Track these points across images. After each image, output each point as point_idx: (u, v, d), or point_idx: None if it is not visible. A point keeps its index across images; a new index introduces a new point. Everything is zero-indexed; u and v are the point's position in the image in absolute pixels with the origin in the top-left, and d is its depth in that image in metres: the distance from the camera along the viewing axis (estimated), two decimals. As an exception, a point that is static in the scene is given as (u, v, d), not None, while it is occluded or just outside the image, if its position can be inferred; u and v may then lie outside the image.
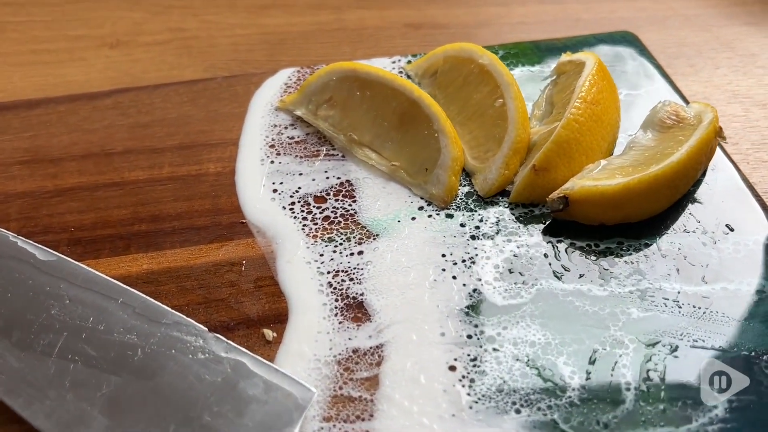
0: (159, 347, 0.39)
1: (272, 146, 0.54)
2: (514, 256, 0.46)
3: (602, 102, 0.50)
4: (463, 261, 0.45)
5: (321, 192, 0.50)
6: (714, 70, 0.65)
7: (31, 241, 0.45)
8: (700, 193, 0.49)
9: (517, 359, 0.40)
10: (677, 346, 0.41)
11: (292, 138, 0.54)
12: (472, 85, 0.53)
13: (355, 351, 0.41)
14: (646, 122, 0.52)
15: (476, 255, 0.46)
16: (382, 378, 0.40)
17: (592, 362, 0.40)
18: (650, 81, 0.59)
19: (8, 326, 0.40)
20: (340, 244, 0.47)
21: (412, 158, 0.51)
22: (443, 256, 0.46)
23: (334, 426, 0.38)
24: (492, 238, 0.47)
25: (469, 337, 0.41)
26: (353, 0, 0.76)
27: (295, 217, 0.48)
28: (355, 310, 0.43)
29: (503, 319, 0.42)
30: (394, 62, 0.61)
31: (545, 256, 0.46)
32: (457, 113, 0.53)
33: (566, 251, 0.46)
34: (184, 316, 0.41)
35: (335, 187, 0.50)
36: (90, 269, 0.43)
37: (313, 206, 0.49)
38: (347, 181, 0.51)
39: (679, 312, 0.42)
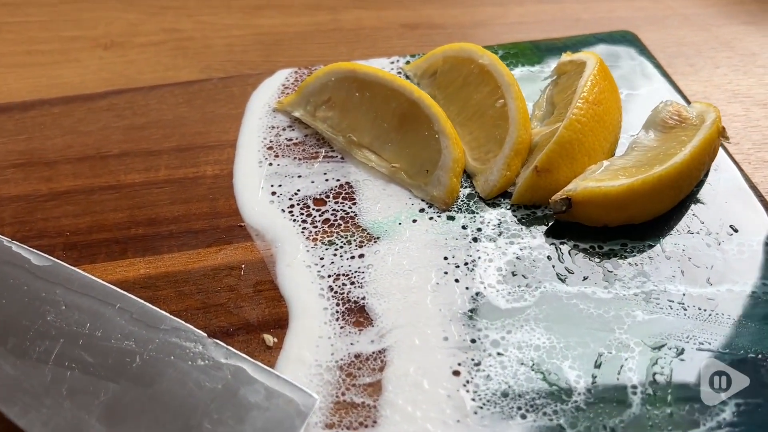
0: (158, 353, 0.39)
1: (270, 148, 0.53)
2: (517, 258, 0.45)
3: (604, 102, 0.50)
4: (466, 264, 0.45)
5: (320, 194, 0.49)
6: (714, 70, 0.65)
7: (25, 246, 0.44)
8: (703, 193, 0.49)
9: (522, 363, 0.40)
10: (683, 349, 0.40)
11: (291, 140, 0.54)
12: (472, 85, 0.53)
13: (357, 356, 0.40)
14: (648, 122, 0.51)
15: (478, 258, 0.45)
16: (385, 383, 0.39)
17: (597, 366, 0.40)
18: (651, 81, 0.58)
19: (3, 333, 0.40)
20: (341, 247, 0.46)
21: (413, 160, 0.50)
22: (445, 258, 0.45)
23: (337, 433, 0.37)
24: (494, 241, 0.46)
25: (473, 341, 0.41)
26: (349, 0, 0.76)
27: (294, 220, 0.48)
28: (357, 314, 0.42)
29: (507, 322, 0.42)
30: (392, 63, 0.61)
31: (548, 258, 0.45)
32: (457, 114, 0.53)
33: (569, 253, 0.45)
34: (183, 322, 0.40)
35: (335, 190, 0.50)
36: (86, 274, 0.42)
37: (313, 209, 0.48)
38: (347, 183, 0.50)
39: (685, 314, 0.42)
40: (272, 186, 0.50)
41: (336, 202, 0.49)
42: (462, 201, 0.49)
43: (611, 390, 0.39)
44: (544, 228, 0.47)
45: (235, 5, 0.75)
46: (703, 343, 0.41)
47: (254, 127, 0.55)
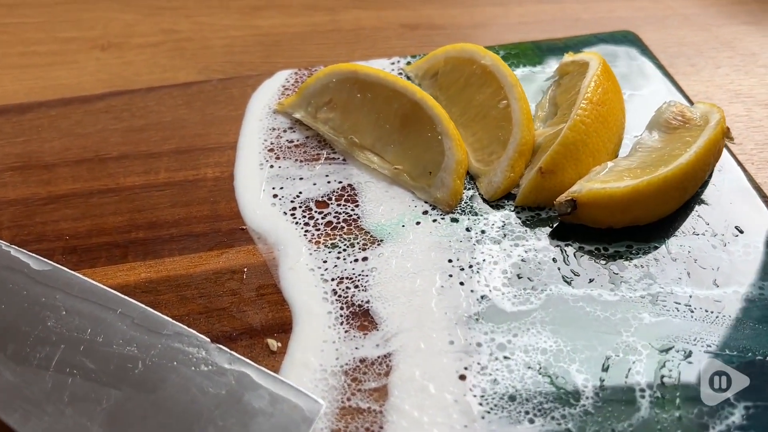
0: (160, 359, 0.38)
1: (271, 150, 0.52)
2: (522, 260, 0.45)
3: (608, 103, 0.49)
4: (470, 266, 0.44)
5: (322, 197, 0.49)
6: (715, 70, 0.64)
7: (24, 250, 0.43)
8: (708, 194, 0.49)
9: (529, 367, 0.39)
10: (691, 352, 0.40)
11: (292, 141, 0.53)
12: (475, 86, 0.52)
13: (362, 361, 0.40)
14: (651, 123, 0.51)
15: (483, 260, 0.45)
16: (390, 388, 0.39)
17: (605, 369, 0.39)
18: (653, 81, 0.58)
19: (2, 339, 0.39)
20: (344, 250, 0.45)
21: (415, 161, 0.49)
22: (449, 261, 0.45)
23: (343, 439, 0.37)
24: (499, 243, 0.46)
25: (479, 345, 0.40)
26: (348, 0, 0.75)
27: (296, 223, 0.47)
28: (361, 318, 0.42)
29: (513, 326, 0.41)
30: (393, 63, 0.60)
31: (554, 260, 0.45)
32: (459, 115, 0.52)
33: (575, 255, 0.45)
34: (186, 327, 0.40)
35: (337, 192, 0.49)
36: (86, 279, 0.42)
37: (315, 211, 0.48)
38: (349, 185, 0.50)
39: (692, 317, 0.42)
40: (274, 188, 0.49)
41: (338, 205, 0.48)
42: (465, 203, 0.48)
43: (619, 393, 0.38)
44: (549, 230, 0.47)
45: (233, 6, 0.74)
46: (710, 346, 0.40)
47: (255, 129, 0.54)
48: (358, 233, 0.46)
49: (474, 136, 0.51)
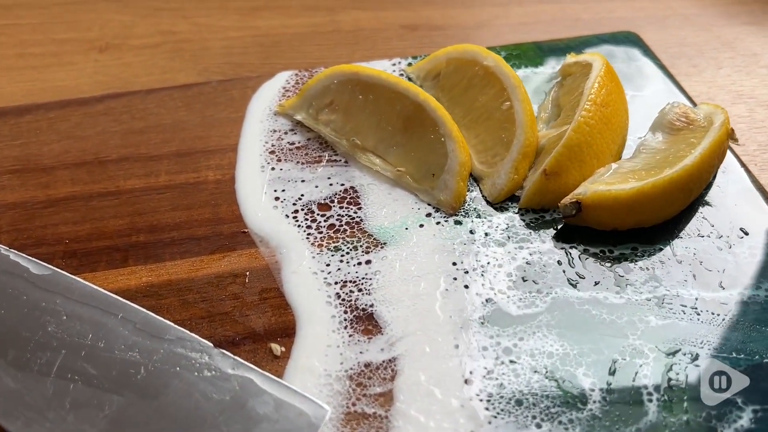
0: (163, 364, 0.38)
1: (272, 152, 0.52)
2: (527, 263, 0.44)
3: (611, 104, 0.49)
4: (475, 269, 0.44)
5: (325, 199, 0.48)
6: (717, 71, 0.64)
7: (24, 254, 0.43)
8: (712, 196, 0.49)
9: (536, 371, 0.39)
10: (698, 355, 0.40)
11: (293, 143, 0.53)
12: (477, 87, 0.52)
13: (367, 365, 0.39)
14: (655, 124, 0.51)
15: (488, 263, 0.44)
16: (396, 393, 0.38)
17: (612, 373, 0.39)
18: (655, 82, 0.58)
19: (2, 344, 0.38)
20: (347, 253, 0.45)
21: (418, 163, 0.49)
22: (454, 264, 0.44)
23: (349, 444, 0.36)
24: (503, 245, 0.45)
25: (485, 348, 0.40)
26: (348, 1, 0.75)
27: (298, 226, 0.47)
28: (365, 322, 0.41)
29: (519, 329, 0.41)
30: (394, 64, 0.60)
31: (558, 263, 0.44)
32: (462, 116, 0.52)
33: (580, 258, 0.45)
34: (188, 332, 0.39)
35: (339, 194, 0.49)
36: (87, 283, 0.41)
37: (317, 214, 0.47)
38: (351, 187, 0.49)
39: (698, 319, 0.41)
40: (275, 191, 0.49)
41: (341, 207, 0.48)
42: (468, 205, 0.48)
43: (626, 397, 0.38)
44: (553, 232, 0.46)
45: (232, 6, 0.74)
46: (717, 349, 0.40)
47: (255, 131, 0.54)
48: (361, 236, 0.46)
49: (477, 138, 0.51)
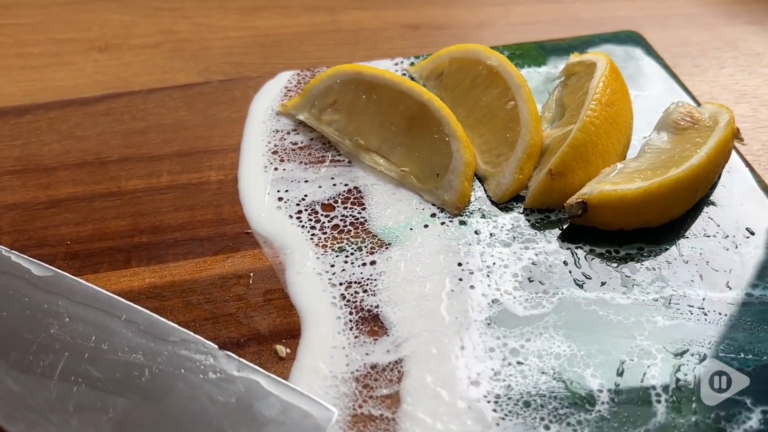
0: (167, 367, 0.37)
1: (275, 152, 0.52)
2: (533, 264, 0.44)
3: (616, 104, 0.49)
4: (480, 270, 0.44)
5: (328, 200, 0.48)
6: (719, 70, 0.64)
7: (25, 256, 0.42)
8: (717, 196, 0.48)
9: (543, 372, 0.39)
10: (705, 355, 0.40)
11: (296, 143, 0.52)
12: (481, 87, 0.52)
13: (373, 367, 0.39)
14: (659, 124, 0.51)
15: (493, 263, 0.44)
16: (403, 395, 0.38)
17: (620, 374, 0.39)
18: (658, 81, 0.58)
19: (5, 347, 0.38)
20: (352, 253, 0.45)
21: (423, 163, 0.49)
22: (459, 264, 0.44)
23: (356, 447, 0.36)
24: (509, 246, 0.45)
25: (492, 350, 0.40)
26: (348, 1, 0.74)
27: (302, 226, 0.46)
28: (371, 323, 0.41)
29: (526, 330, 0.41)
30: (396, 64, 0.59)
31: (564, 263, 0.44)
32: (465, 116, 0.52)
33: (586, 258, 0.44)
34: (192, 333, 0.39)
35: (343, 195, 0.48)
36: (89, 284, 0.41)
37: (321, 214, 0.47)
38: (355, 187, 0.49)
39: (706, 320, 0.41)
40: (278, 191, 0.49)
41: (345, 208, 0.48)
42: (473, 205, 0.48)
43: (635, 398, 0.38)
44: (559, 232, 0.46)
45: (232, 6, 0.73)
46: (725, 349, 0.40)
47: (258, 131, 0.53)
48: (365, 237, 0.46)
49: (481, 138, 0.50)
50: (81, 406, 0.36)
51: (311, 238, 0.46)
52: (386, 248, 0.45)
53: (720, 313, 0.42)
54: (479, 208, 0.48)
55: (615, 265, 0.44)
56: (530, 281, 0.43)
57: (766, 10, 0.71)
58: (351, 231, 0.46)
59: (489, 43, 0.58)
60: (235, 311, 0.42)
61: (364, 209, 0.47)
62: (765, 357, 0.39)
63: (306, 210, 0.47)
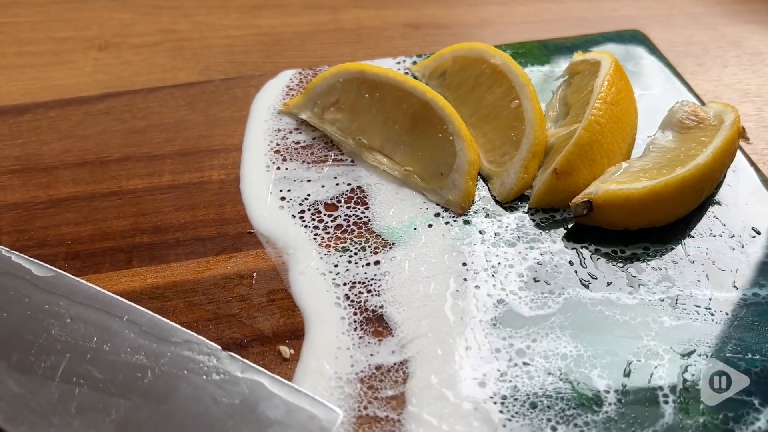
0: (170, 368, 0.37)
1: (277, 152, 0.51)
2: (538, 263, 0.44)
3: (621, 102, 0.48)
4: (485, 270, 0.43)
5: (331, 199, 0.48)
6: (723, 69, 0.64)
7: (25, 256, 0.42)
8: (723, 195, 0.48)
9: (550, 373, 0.38)
10: (713, 356, 0.39)
11: (298, 143, 0.52)
12: (485, 86, 0.52)
13: (378, 368, 0.39)
14: (664, 123, 0.50)
15: (498, 263, 0.44)
16: (408, 396, 0.37)
17: (627, 374, 0.38)
18: (662, 80, 0.57)
19: (5, 348, 0.38)
20: (355, 253, 0.44)
21: (426, 163, 0.48)
22: (464, 264, 0.44)
23: (361, 449, 0.36)
24: (513, 245, 0.45)
25: (497, 350, 0.39)
26: (349, 0, 0.74)
27: (305, 226, 0.46)
28: (375, 323, 0.41)
29: (532, 330, 0.40)
30: (398, 63, 0.59)
31: (570, 263, 0.44)
32: (469, 115, 0.51)
33: (591, 258, 0.44)
34: (195, 334, 0.39)
35: (346, 194, 0.48)
36: (91, 285, 0.41)
37: (324, 214, 0.47)
38: (358, 187, 0.49)
39: (713, 320, 0.41)
40: (281, 191, 0.48)
41: (348, 207, 0.47)
42: (477, 205, 0.48)
43: (642, 399, 0.37)
44: (564, 232, 0.46)
45: (232, 5, 0.73)
46: (732, 350, 0.39)
47: (260, 130, 0.53)
48: (369, 236, 0.45)
49: (485, 137, 0.50)
50: (83, 408, 0.35)
51: (314, 238, 0.45)
52: (390, 248, 0.45)
53: (727, 313, 0.41)
54: (483, 208, 0.47)
55: (621, 264, 0.44)
56: (536, 281, 0.43)
57: (769, 9, 0.71)
58: (354, 231, 0.46)
59: (491, 42, 0.58)
60: (238, 312, 0.41)
61: (367, 209, 0.47)
62: (772, 357, 0.39)
63: (309, 210, 0.47)
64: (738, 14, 0.71)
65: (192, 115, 0.54)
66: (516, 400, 0.37)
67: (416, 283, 0.43)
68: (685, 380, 0.38)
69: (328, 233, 0.45)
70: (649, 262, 0.44)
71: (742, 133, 0.49)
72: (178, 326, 0.39)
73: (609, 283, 0.43)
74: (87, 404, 0.36)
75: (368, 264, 0.44)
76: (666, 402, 0.37)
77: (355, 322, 0.41)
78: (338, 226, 0.46)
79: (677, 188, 0.44)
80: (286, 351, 0.39)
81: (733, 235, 0.45)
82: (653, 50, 0.60)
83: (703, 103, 0.54)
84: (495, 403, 0.37)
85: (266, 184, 0.49)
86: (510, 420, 0.36)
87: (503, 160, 0.48)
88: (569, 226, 0.46)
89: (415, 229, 0.46)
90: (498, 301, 0.42)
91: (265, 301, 0.42)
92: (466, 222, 0.46)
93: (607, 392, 0.38)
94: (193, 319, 0.41)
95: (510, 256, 0.44)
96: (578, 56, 0.55)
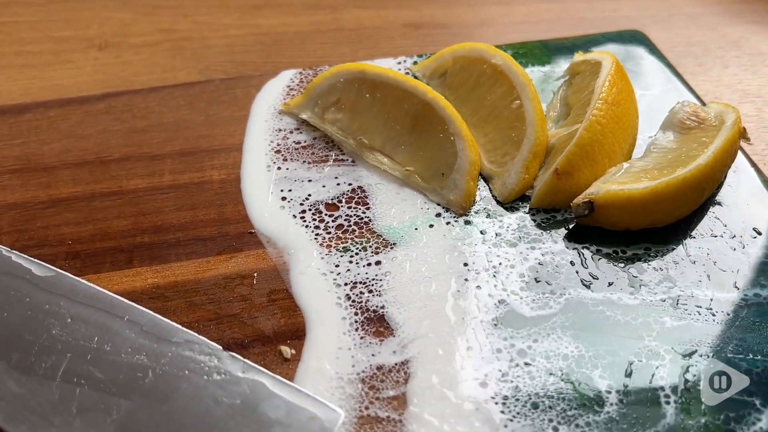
0: (171, 368, 0.37)
1: (278, 151, 0.51)
2: (539, 264, 0.44)
3: (622, 103, 0.48)
4: (486, 270, 0.43)
5: (332, 199, 0.48)
6: (723, 69, 0.64)
7: (26, 256, 0.42)
8: (724, 195, 0.48)
9: (551, 373, 0.38)
10: (714, 356, 0.39)
11: (299, 143, 0.52)
12: (485, 86, 0.51)
13: (379, 368, 0.39)
14: (665, 123, 0.50)
15: (499, 264, 0.44)
16: (409, 396, 0.37)
17: (628, 375, 0.38)
18: (662, 81, 0.57)
19: (6, 348, 0.38)
20: (356, 253, 0.44)
21: (427, 163, 0.48)
22: (465, 265, 0.44)
23: (363, 449, 0.36)
24: (515, 246, 0.45)
25: (499, 351, 0.39)
26: (350, 0, 0.74)
27: (306, 226, 0.46)
28: (377, 323, 0.41)
29: (533, 331, 0.40)
30: (399, 63, 0.59)
31: (571, 263, 0.44)
32: (470, 115, 0.51)
33: (593, 258, 0.44)
34: (196, 334, 0.38)
35: (347, 194, 0.48)
36: (91, 285, 0.40)
37: (325, 214, 0.47)
38: (359, 187, 0.49)
39: (714, 320, 0.41)
40: (282, 191, 0.48)
41: (349, 207, 0.47)
42: (478, 205, 0.47)
43: (644, 399, 0.37)
44: (565, 232, 0.46)
45: (232, 5, 0.73)
46: (733, 350, 0.39)
47: (260, 130, 0.53)
48: (370, 236, 0.45)
49: (486, 137, 0.50)
50: (84, 408, 0.35)
51: (315, 238, 0.45)
52: (391, 248, 0.45)
53: (728, 314, 0.41)
54: (484, 208, 0.47)
55: (622, 265, 0.44)
56: (537, 281, 0.43)
57: (769, 10, 0.71)
58: (355, 231, 0.46)
59: (491, 42, 0.58)
60: (239, 312, 0.41)
61: (368, 209, 0.47)
62: (774, 358, 0.39)
63: (310, 209, 0.47)
64: (738, 14, 0.71)
65: (192, 114, 0.54)
66: (517, 400, 0.37)
67: (417, 283, 0.43)
68: (686, 381, 0.38)
69: (329, 233, 0.45)
70: (650, 263, 0.44)
71: (743, 134, 0.49)
72: (179, 326, 0.39)
73: (610, 284, 0.43)
74: (88, 404, 0.36)
75: (369, 264, 0.44)
76: (667, 402, 0.37)
77: (356, 322, 0.41)
78: (339, 226, 0.46)
79: (678, 189, 0.44)
80: (287, 351, 0.39)
81: (734, 236, 0.45)
82: (653, 50, 0.60)
83: (703, 104, 0.54)
84: (496, 403, 0.37)
85: (267, 184, 0.49)
86: (511, 420, 0.36)
87: (504, 160, 0.48)
88: (570, 226, 0.46)
89: (416, 229, 0.46)
90: (499, 302, 0.42)
91: (266, 301, 0.42)
92: (467, 222, 0.46)
93: (609, 393, 0.38)
94: (194, 319, 0.41)
95: (511, 257, 0.44)
96: (579, 56, 0.55)
